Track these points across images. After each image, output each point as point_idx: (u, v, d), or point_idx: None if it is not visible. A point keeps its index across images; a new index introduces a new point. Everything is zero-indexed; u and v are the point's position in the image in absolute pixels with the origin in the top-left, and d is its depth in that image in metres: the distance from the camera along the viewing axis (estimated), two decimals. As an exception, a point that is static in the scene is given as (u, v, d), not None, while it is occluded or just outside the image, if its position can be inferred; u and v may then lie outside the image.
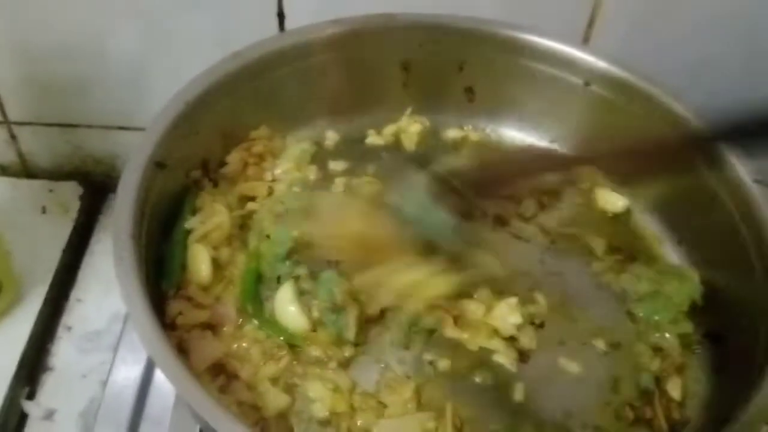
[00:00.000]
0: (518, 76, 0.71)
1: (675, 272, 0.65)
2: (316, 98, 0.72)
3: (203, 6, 0.75)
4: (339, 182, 0.70)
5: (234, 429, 0.44)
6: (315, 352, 0.58)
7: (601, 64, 0.68)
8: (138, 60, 0.80)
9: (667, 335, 0.61)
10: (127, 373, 0.71)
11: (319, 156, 0.72)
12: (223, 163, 0.68)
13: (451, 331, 0.60)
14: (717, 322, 0.62)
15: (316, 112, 0.73)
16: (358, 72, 0.72)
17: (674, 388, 0.58)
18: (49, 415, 0.72)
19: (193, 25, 0.77)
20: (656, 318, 0.62)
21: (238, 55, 0.65)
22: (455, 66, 0.72)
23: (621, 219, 0.70)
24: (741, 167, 0.60)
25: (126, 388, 0.70)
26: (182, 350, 0.56)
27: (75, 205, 0.88)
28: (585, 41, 0.76)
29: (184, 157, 0.63)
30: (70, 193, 0.90)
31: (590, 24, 0.75)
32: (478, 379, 0.59)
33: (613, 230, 0.69)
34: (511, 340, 0.60)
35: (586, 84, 0.69)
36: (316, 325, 0.59)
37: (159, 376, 0.71)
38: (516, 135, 0.75)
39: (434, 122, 0.75)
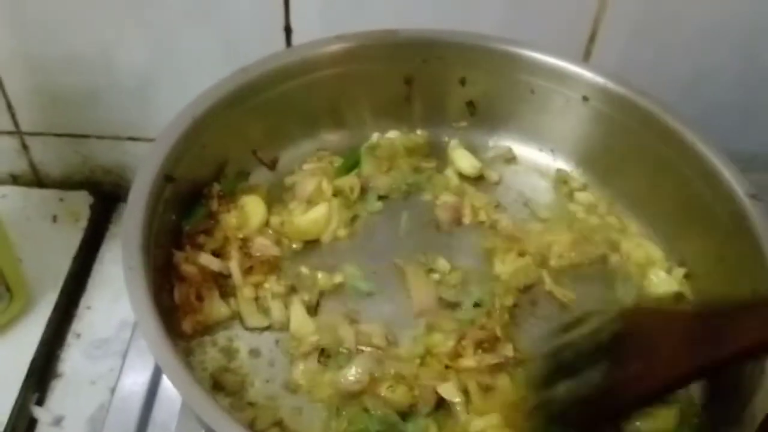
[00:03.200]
0: (518, 90, 0.73)
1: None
2: (321, 111, 0.73)
3: (211, 20, 0.77)
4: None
5: (238, 435, 0.45)
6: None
7: (598, 79, 0.69)
8: (146, 72, 0.82)
9: None
10: (135, 379, 0.72)
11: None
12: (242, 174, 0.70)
13: None
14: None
15: (321, 125, 0.74)
16: (361, 86, 0.73)
17: None
18: (58, 421, 0.73)
19: (201, 38, 0.78)
20: None
21: (245, 70, 0.66)
22: (457, 81, 0.74)
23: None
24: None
25: (133, 394, 0.71)
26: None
27: (85, 214, 0.90)
28: (587, 55, 0.77)
29: (192, 170, 0.64)
30: (81, 202, 0.91)
31: (591, 39, 0.76)
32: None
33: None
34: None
35: (585, 99, 0.71)
36: None
37: (166, 382, 0.72)
38: (516, 147, 0.76)
39: (436, 135, 0.76)
